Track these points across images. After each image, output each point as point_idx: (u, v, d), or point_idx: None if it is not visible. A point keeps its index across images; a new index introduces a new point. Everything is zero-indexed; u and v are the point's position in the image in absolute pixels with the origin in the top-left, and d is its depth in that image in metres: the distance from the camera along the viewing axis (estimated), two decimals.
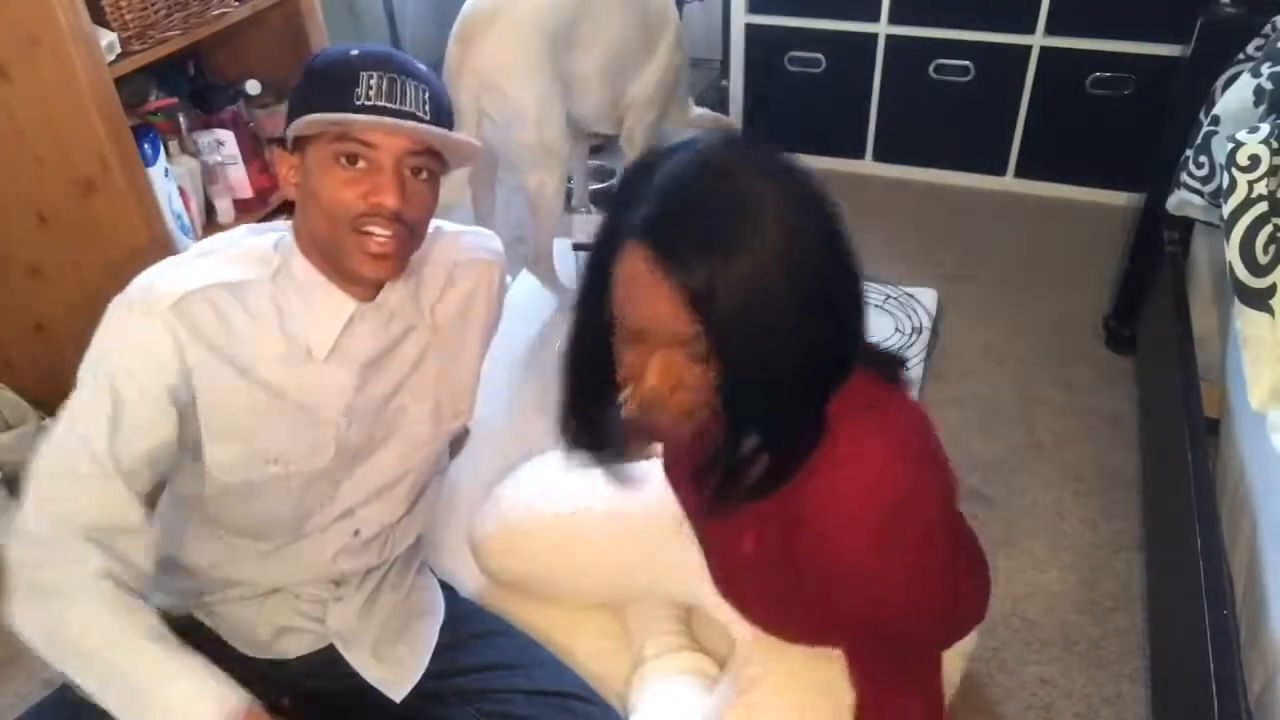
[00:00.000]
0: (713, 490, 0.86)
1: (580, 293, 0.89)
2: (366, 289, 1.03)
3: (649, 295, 0.75)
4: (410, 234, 0.98)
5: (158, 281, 0.96)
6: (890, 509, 0.84)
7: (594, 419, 0.96)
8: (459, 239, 1.16)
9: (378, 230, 0.94)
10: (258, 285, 1.00)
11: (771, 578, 1.02)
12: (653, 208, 0.76)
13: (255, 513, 1.08)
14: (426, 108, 0.95)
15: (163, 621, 0.94)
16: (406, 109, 0.93)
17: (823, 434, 0.82)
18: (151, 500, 1.00)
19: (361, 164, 0.93)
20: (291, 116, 0.96)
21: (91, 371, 0.95)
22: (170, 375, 0.94)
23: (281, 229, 1.06)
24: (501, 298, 1.24)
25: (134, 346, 0.94)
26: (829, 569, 0.90)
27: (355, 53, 0.95)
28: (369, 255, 0.96)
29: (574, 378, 0.94)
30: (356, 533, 1.15)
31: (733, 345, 0.75)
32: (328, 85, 0.93)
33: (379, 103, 0.91)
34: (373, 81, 0.92)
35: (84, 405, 0.95)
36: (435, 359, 1.14)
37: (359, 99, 0.91)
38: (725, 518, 0.93)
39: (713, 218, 0.74)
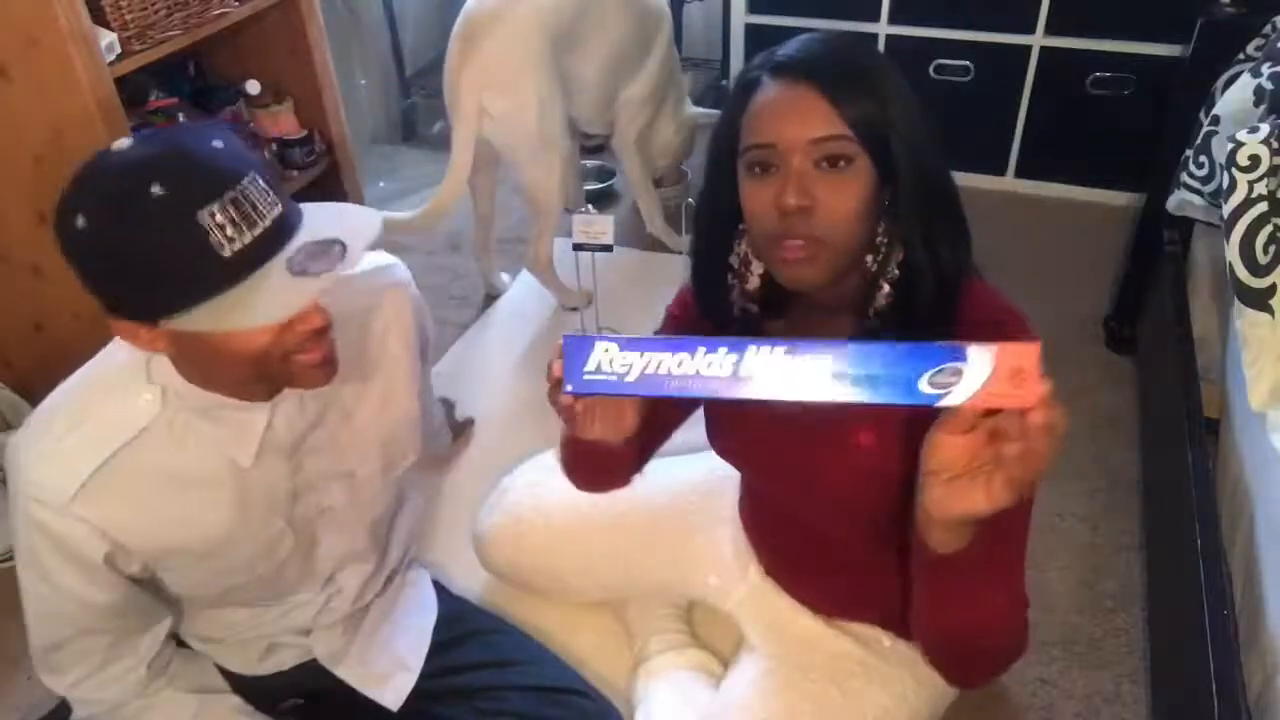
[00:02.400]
0: (872, 328, 0.88)
1: (706, 175, 0.94)
2: (269, 388, 0.92)
3: (789, 104, 0.83)
4: (331, 329, 0.88)
5: (44, 475, 0.87)
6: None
7: (720, 294, 0.96)
8: (351, 284, 1.02)
9: (313, 352, 0.85)
10: (154, 426, 0.89)
11: (867, 476, 0.94)
12: (783, 49, 0.88)
13: (230, 600, 1.07)
14: (269, 192, 0.79)
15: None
16: (267, 224, 0.77)
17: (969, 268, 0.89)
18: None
19: None
20: (129, 298, 0.78)
21: (31, 569, 0.93)
22: (100, 551, 0.90)
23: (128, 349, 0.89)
24: (423, 326, 1.15)
25: (56, 547, 0.89)
26: None
27: (157, 191, 0.73)
28: (314, 369, 0.87)
29: (702, 260, 0.98)
30: (340, 591, 1.14)
31: (894, 133, 0.83)
32: (172, 259, 0.74)
33: (244, 242, 0.75)
34: (218, 220, 0.73)
35: (38, 598, 0.95)
36: (367, 415, 1.07)
37: (223, 250, 0.74)
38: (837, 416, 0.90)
39: (840, 53, 0.87)
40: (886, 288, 0.87)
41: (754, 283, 0.93)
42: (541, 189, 2.10)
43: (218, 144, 0.78)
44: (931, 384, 0.59)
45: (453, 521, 1.66)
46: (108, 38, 1.53)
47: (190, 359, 0.86)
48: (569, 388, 0.64)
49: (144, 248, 0.74)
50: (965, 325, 0.87)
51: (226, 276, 0.75)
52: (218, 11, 1.75)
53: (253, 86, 1.98)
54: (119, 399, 0.89)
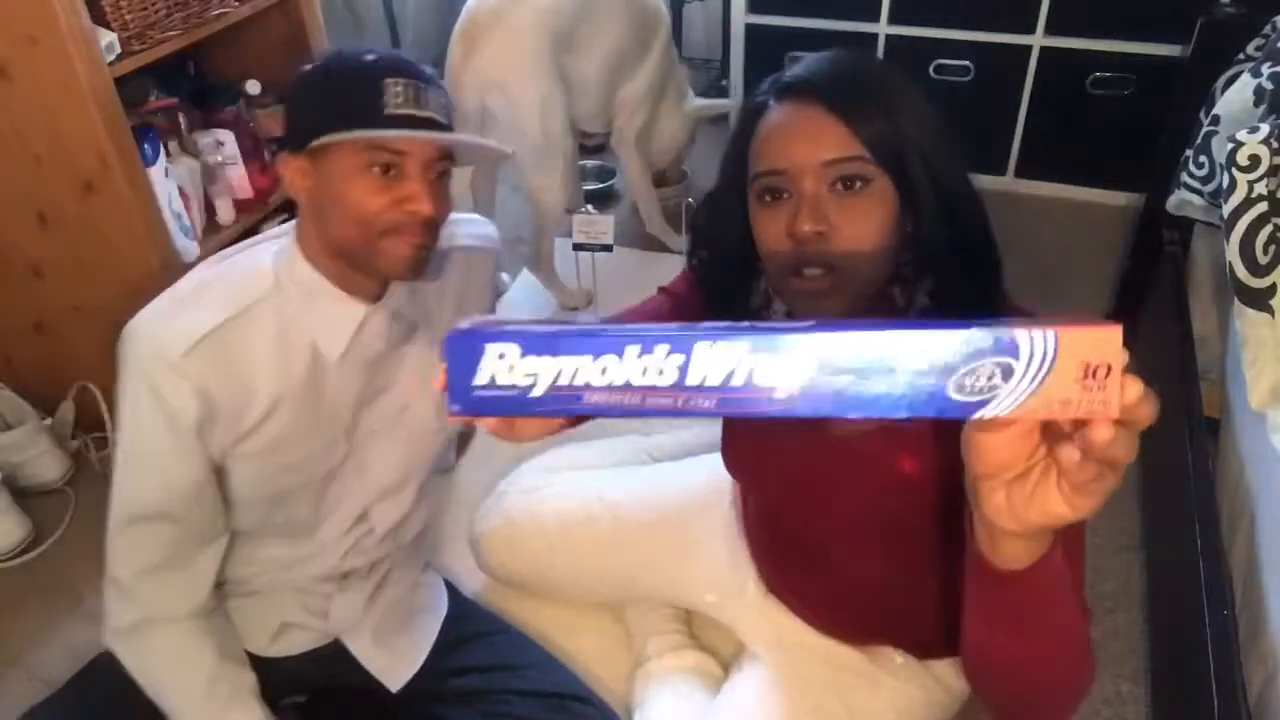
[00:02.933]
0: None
1: (711, 214, 0.91)
2: (373, 290, 1.02)
3: (798, 125, 0.79)
4: (437, 235, 0.99)
5: (163, 330, 0.96)
6: None
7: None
8: (455, 229, 1.14)
9: (411, 237, 0.95)
10: (261, 304, 0.99)
11: (908, 505, 0.88)
12: (788, 71, 0.82)
13: (276, 517, 1.09)
14: (445, 111, 0.96)
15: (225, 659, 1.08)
16: (430, 115, 0.93)
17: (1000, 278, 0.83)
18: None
19: (392, 172, 0.94)
20: (305, 121, 0.95)
21: (128, 435, 0.99)
22: (194, 415, 0.96)
23: (277, 237, 1.06)
24: (494, 283, 1.25)
25: (159, 407, 0.96)
26: None
27: (370, 57, 0.93)
28: (405, 260, 0.96)
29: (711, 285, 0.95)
30: (371, 531, 1.16)
31: (907, 148, 0.78)
32: (351, 94, 0.92)
33: (407, 110, 0.92)
34: (398, 89, 0.91)
35: (128, 465, 1.00)
36: (436, 351, 1.13)
37: (387, 108, 0.91)
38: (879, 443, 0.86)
39: (848, 69, 0.82)
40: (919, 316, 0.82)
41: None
42: (543, 189, 2.10)
43: (431, 70, 0.97)
44: (962, 387, 0.42)
45: (454, 523, 1.66)
46: (108, 38, 1.53)
47: (316, 207, 0.97)
48: (454, 407, 0.48)
49: (336, 84, 0.94)
50: None
51: (377, 124, 0.91)
52: (218, 11, 1.75)
53: (253, 86, 1.98)
54: (237, 282, 1.00)
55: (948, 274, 0.81)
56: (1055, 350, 0.42)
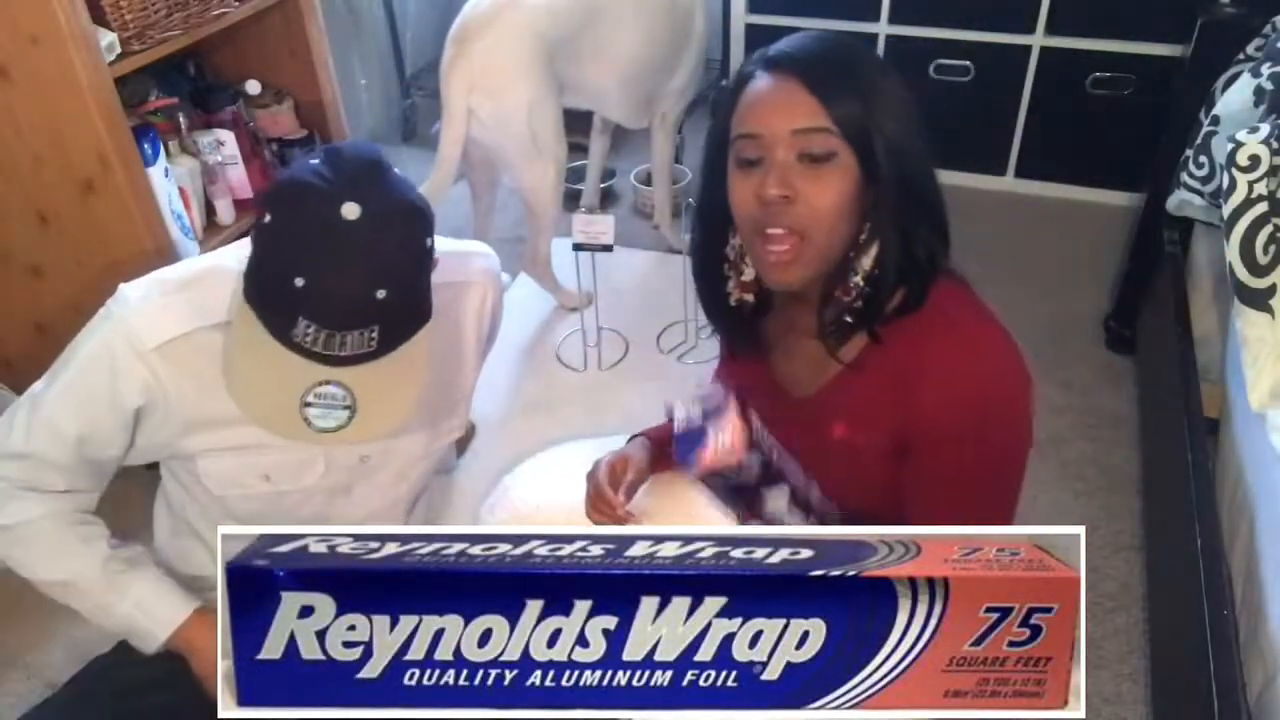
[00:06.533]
0: (835, 319, 0.89)
1: (702, 170, 0.95)
2: None
3: (775, 95, 0.85)
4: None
5: (144, 316, 0.95)
6: (1000, 394, 0.87)
7: (718, 288, 0.99)
8: (446, 262, 1.06)
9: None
10: (242, 323, 0.95)
11: (848, 467, 0.96)
12: (777, 44, 0.89)
13: (239, 517, 1.08)
14: (374, 340, 0.88)
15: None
16: (345, 354, 0.87)
17: (938, 271, 0.89)
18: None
19: None
20: (247, 273, 0.91)
21: (63, 368, 0.98)
22: (136, 403, 0.96)
23: None
24: (497, 314, 1.21)
25: (113, 374, 0.95)
26: (925, 437, 0.88)
27: (300, 284, 0.83)
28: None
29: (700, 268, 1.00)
30: None
31: (871, 133, 0.83)
32: (270, 301, 0.87)
33: (314, 349, 0.86)
34: (308, 330, 0.85)
35: (51, 406, 0.98)
36: (428, 379, 1.10)
37: (295, 336, 0.86)
38: (822, 401, 0.94)
39: (831, 50, 0.88)
40: (860, 281, 0.87)
41: (749, 274, 0.95)
42: (535, 191, 2.10)
43: (380, 293, 0.85)
44: None
45: (457, 519, 1.66)
46: (108, 38, 1.53)
47: None
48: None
49: (264, 274, 0.88)
50: (913, 330, 0.87)
51: (280, 334, 0.87)
52: (218, 11, 1.75)
53: (253, 86, 1.98)
54: (230, 288, 0.96)
55: (894, 246, 0.86)
56: None
